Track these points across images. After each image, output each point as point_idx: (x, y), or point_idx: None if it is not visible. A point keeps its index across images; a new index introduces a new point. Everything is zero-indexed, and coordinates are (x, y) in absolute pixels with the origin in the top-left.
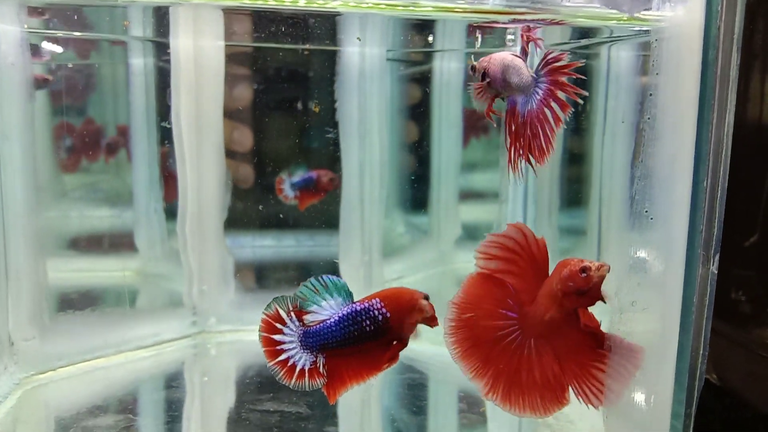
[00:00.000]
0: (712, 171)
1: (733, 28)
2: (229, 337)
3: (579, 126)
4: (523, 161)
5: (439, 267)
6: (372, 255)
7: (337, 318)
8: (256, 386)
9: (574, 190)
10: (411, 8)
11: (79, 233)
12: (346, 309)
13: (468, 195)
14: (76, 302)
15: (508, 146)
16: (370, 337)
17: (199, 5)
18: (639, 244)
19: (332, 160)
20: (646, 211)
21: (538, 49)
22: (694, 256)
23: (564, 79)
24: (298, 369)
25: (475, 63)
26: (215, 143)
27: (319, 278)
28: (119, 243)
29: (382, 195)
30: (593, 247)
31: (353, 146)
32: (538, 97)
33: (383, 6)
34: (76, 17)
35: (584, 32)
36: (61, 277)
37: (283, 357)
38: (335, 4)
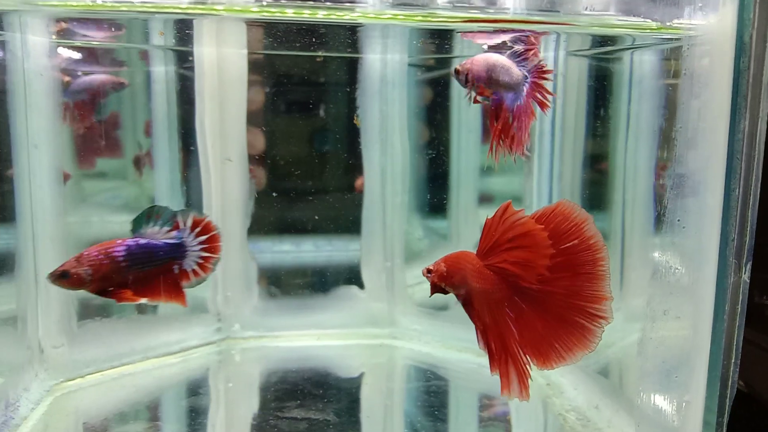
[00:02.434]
0: (744, 179)
1: (766, 36)
2: (253, 343)
3: (602, 130)
4: (505, 151)
5: None
6: (394, 260)
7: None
8: (281, 393)
9: (597, 195)
10: (429, 19)
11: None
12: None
13: (488, 199)
14: (102, 309)
15: (492, 138)
16: None
17: (223, 17)
18: (671, 252)
19: (354, 166)
20: (679, 220)
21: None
22: (726, 264)
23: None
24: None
25: (458, 66)
26: (239, 150)
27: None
28: None
29: (403, 200)
30: (617, 251)
31: (375, 152)
32: (524, 94)
33: (401, 17)
34: (103, 27)
35: (606, 41)
36: None
37: None
38: (354, 15)
